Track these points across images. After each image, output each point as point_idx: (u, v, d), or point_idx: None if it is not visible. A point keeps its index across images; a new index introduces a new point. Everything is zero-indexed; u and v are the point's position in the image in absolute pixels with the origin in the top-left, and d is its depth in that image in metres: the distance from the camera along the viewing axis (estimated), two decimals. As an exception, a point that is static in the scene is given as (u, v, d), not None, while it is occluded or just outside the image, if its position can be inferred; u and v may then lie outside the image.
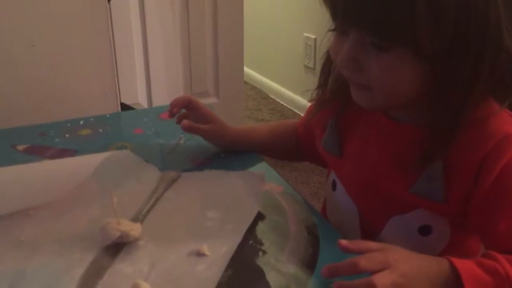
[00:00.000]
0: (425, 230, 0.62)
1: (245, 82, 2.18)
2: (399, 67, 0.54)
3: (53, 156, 0.81)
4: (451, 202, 0.58)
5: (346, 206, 0.69)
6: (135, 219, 0.63)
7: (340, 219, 0.72)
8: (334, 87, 0.67)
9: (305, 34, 2.32)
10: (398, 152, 0.61)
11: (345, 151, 0.69)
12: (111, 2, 1.19)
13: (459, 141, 0.56)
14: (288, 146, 0.85)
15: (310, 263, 0.57)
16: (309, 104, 0.77)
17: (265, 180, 0.72)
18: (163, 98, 1.95)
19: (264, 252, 0.59)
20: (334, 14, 0.56)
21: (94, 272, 0.55)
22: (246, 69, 2.17)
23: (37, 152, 0.82)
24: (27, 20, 1.06)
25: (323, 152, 0.73)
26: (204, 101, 0.92)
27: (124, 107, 1.46)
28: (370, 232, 0.67)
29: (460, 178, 0.57)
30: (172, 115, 0.78)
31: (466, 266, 0.51)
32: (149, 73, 1.93)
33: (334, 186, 0.72)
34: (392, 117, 0.64)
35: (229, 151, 0.82)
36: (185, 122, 0.78)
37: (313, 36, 2.28)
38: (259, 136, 0.84)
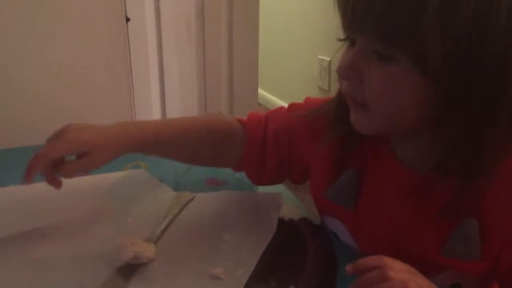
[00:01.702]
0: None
1: (259, 104, 2.18)
2: (401, 80, 0.48)
3: (68, 175, 0.80)
4: (487, 260, 0.54)
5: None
6: (149, 240, 0.62)
7: None
8: (338, 123, 0.60)
9: (320, 57, 2.32)
10: (422, 208, 0.55)
11: (358, 204, 0.61)
12: (129, 22, 1.21)
13: (494, 195, 0.51)
14: (216, 146, 0.71)
15: (327, 289, 0.56)
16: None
17: (282, 202, 0.71)
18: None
19: (280, 277, 0.57)
20: (344, 21, 0.52)
21: (107, 294, 0.54)
22: (260, 90, 2.18)
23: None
24: (46, 40, 1.08)
25: (324, 202, 0.65)
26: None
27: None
28: None
29: (497, 235, 0.52)
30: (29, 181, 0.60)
31: None
32: (164, 93, 1.94)
33: (335, 236, 0.66)
34: (408, 166, 0.57)
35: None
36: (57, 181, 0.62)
37: (328, 59, 2.28)
38: (167, 135, 0.69)
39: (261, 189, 0.79)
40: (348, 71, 0.52)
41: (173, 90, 1.96)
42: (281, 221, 0.67)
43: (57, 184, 0.62)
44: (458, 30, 0.44)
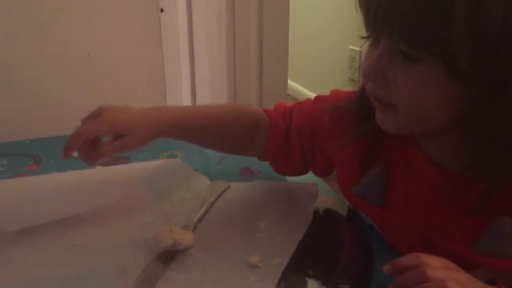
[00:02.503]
0: (489, 284, 0.55)
1: (289, 95, 2.18)
2: (427, 81, 0.47)
3: (106, 163, 0.82)
4: None
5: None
6: (186, 227, 0.63)
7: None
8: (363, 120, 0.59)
9: (350, 47, 2.30)
10: (452, 206, 0.54)
11: (386, 200, 0.61)
12: (162, 13, 1.22)
13: None
14: (241, 133, 0.71)
15: (364, 278, 0.56)
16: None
17: (317, 191, 0.71)
18: (207, 109, 1.97)
19: (316, 267, 0.57)
20: (367, 20, 0.50)
21: (147, 279, 0.55)
22: (290, 81, 2.17)
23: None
24: (85, 31, 1.10)
25: (352, 198, 0.64)
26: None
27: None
28: None
29: None
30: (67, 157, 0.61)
31: None
32: (195, 84, 1.96)
33: (371, 227, 0.66)
34: (437, 164, 0.56)
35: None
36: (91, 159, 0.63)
37: (358, 49, 2.25)
38: (204, 117, 0.70)
39: (295, 179, 0.79)
40: (374, 72, 0.51)
41: (203, 81, 1.97)
42: (316, 211, 0.67)
43: (93, 162, 0.63)
44: (486, 31, 0.43)
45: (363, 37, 0.53)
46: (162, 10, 1.19)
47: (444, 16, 0.43)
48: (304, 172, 0.74)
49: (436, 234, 0.57)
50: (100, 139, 0.62)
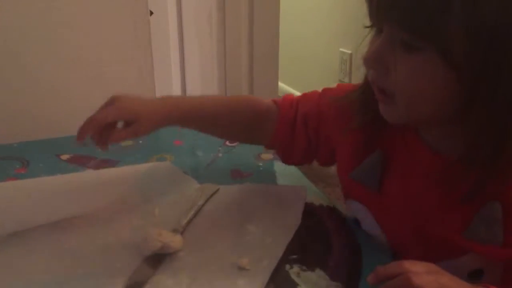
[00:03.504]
0: (476, 274, 0.57)
1: (280, 96, 2.18)
2: (425, 70, 0.49)
3: (96, 166, 0.82)
4: (509, 246, 0.53)
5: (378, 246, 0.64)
6: (175, 231, 0.63)
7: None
8: (365, 109, 0.61)
9: (341, 49, 2.31)
10: (447, 191, 0.55)
11: (383, 186, 0.62)
12: (151, 16, 1.22)
13: None
14: (248, 123, 0.74)
15: (353, 281, 0.56)
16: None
17: (306, 194, 0.71)
18: (198, 111, 1.97)
19: (305, 268, 0.58)
20: (370, 9, 0.52)
21: (136, 283, 0.55)
22: (280, 83, 2.18)
23: (80, 162, 0.84)
24: (73, 34, 1.09)
25: (349, 183, 0.66)
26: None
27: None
28: None
29: None
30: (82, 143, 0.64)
31: None
32: (185, 85, 1.96)
33: (357, 223, 0.67)
34: (437, 151, 0.57)
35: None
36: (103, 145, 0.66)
37: (349, 51, 2.27)
38: (207, 110, 0.72)
39: (285, 182, 0.79)
40: (374, 61, 0.52)
41: (194, 82, 1.97)
42: (305, 214, 0.68)
43: (105, 147, 0.66)
44: (481, 25, 0.44)
45: (366, 27, 0.55)
46: (151, 13, 1.19)
47: (442, 7, 0.45)
48: (309, 160, 0.75)
49: (428, 219, 0.57)
50: (113, 125, 0.65)
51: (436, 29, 0.46)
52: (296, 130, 0.72)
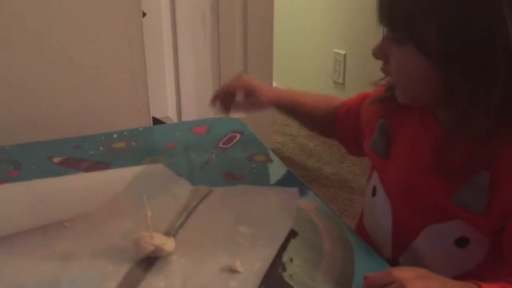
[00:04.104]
0: (462, 242, 0.60)
1: (274, 97, 2.18)
2: (409, 61, 0.57)
3: (88, 169, 0.82)
4: (491, 217, 0.56)
5: (382, 212, 0.69)
6: (168, 233, 0.63)
7: (375, 225, 0.71)
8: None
9: (335, 50, 2.31)
10: (445, 158, 0.59)
11: (391, 153, 0.68)
12: (144, 17, 1.21)
13: (510, 158, 0.54)
14: (324, 119, 0.86)
15: (345, 282, 0.56)
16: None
17: (298, 196, 0.71)
18: (192, 112, 1.97)
19: (298, 270, 0.58)
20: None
21: (128, 286, 0.55)
22: (275, 84, 2.18)
23: (72, 164, 0.83)
24: (66, 35, 1.09)
25: (369, 152, 0.72)
26: (233, 116, 0.92)
27: (155, 121, 1.48)
28: (403, 240, 0.66)
29: (504, 195, 0.55)
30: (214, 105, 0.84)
31: None
32: (179, 87, 1.96)
33: (374, 192, 0.71)
34: (442, 122, 0.63)
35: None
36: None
37: (343, 52, 2.27)
38: (303, 102, 0.86)
39: (278, 183, 0.79)
40: (377, 53, 0.61)
41: (188, 83, 1.97)
42: (297, 216, 0.68)
43: (228, 113, 0.85)
44: (447, 17, 0.52)
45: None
46: (144, 14, 1.18)
47: (415, 5, 0.54)
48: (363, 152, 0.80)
49: (422, 182, 0.62)
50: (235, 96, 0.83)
51: (410, 25, 0.55)
52: (343, 121, 0.83)
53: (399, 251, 0.66)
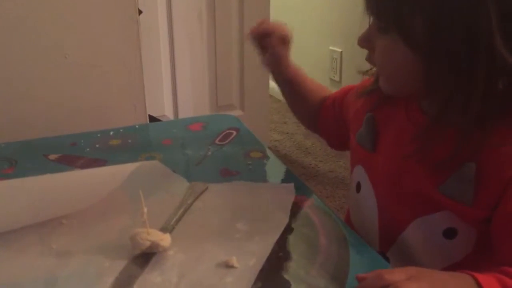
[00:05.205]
0: (450, 233, 0.61)
1: (270, 95, 2.18)
2: (392, 50, 0.58)
3: (84, 166, 0.82)
4: (478, 207, 0.57)
5: (368, 207, 0.69)
6: (164, 229, 0.63)
7: (361, 221, 0.72)
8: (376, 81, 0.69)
9: (331, 48, 2.32)
10: (431, 149, 0.60)
11: (378, 147, 0.68)
12: (140, 15, 1.21)
13: (497, 151, 0.55)
14: (311, 109, 0.86)
15: (340, 277, 0.56)
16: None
17: (294, 192, 0.72)
18: (188, 110, 1.97)
19: (294, 265, 0.58)
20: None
21: (124, 282, 0.55)
22: (271, 82, 2.18)
23: (69, 161, 0.83)
24: (62, 33, 1.09)
25: (355, 146, 0.72)
26: (229, 113, 0.92)
27: (151, 119, 1.48)
28: (391, 234, 0.66)
29: (490, 186, 0.56)
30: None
31: (491, 285, 0.49)
32: (176, 85, 1.95)
33: (358, 188, 0.72)
34: (426, 112, 0.63)
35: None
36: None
37: (339, 50, 2.27)
38: (305, 84, 0.86)
39: (274, 180, 0.79)
40: (362, 41, 0.62)
41: (184, 81, 1.97)
42: (293, 211, 0.68)
43: (262, 52, 0.82)
44: (428, 10, 0.53)
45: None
46: (140, 12, 1.18)
47: None
48: (344, 146, 0.81)
49: (409, 174, 0.63)
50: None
51: (394, 13, 0.55)
52: (328, 111, 0.83)
53: (387, 245, 0.67)
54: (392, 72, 0.61)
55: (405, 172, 0.63)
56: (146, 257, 0.59)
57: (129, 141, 0.91)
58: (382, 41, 0.59)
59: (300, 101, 0.87)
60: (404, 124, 0.65)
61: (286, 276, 0.56)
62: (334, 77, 2.31)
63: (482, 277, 0.49)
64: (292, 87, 0.85)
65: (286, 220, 0.66)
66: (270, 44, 0.79)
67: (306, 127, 0.95)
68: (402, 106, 0.66)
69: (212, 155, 0.86)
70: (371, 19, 0.60)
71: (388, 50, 0.59)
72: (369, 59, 0.63)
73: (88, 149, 0.88)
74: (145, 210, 0.60)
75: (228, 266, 0.57)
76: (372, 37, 0.60)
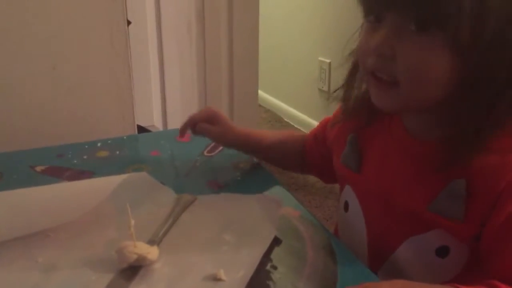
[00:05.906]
0: (442, 252, 0.61)
1: (260, 105, 2.19)
2: (432, 54, 0.52)
3: (71, 178, 0.81)
4: (470, 223, 0.57)
5: (356, 227, 0.69)
6: (151, 242, 0.63)
7: (349, 240, 0.71)
8: (357, 102, 0.67)
9: (320, 58, 2.33)
10: (419, 169, 0.60)
11: (363, 167, 0.68)
12: (129, 26, 1.21)
13: (485, 163, 0.55)
14: (293, 156, 0.85)
15: (328, 286, 0.56)
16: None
17: (281, 204, 0.72)
18: (178, 120, 1.97)
19: (281, 278, 0.58)
20: (369, 1, 0.56)
21: (111, 295, 0.55)
22: (260, 92, 2.19)
23: (55, 173, 0.83)
24: (50, 44, 1.08)
25: (340, 168, 0.71)
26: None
27: (140, 129, 1.48)
28: (381, 253, 0.66)
29: (480, 200, 0.56)
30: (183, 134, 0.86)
31: None
32: (165, 95, 1.95)
33: (346, 207, 0.71)
34: (413, 135, 0.62)
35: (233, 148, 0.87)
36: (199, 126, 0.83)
37: (328, 60, 2.29)
38: (266, 141, 0.84)
39: (263, 191, 0.79)
40: (382, 47, 0.54)
41: (174, 92, 1.97)
42: (281, 223, 0.68)
43: (182, 135, 0.86)
44: (488, 10, 0.49)
45: (365, 18, 0.58)
46: (129, 23, 1.18)
47: None
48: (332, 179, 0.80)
49: (397, 192, 0.62)
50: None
51: (444, 16, 0.49)
52: (312, 149, 0.81)
53: (377, 264, 0.66)
54: (423, 80, 0.54)
55: (394, 192, 0.62)
56: (133, 270, 0.59)
57: (117, 152, 0.91)
58: (417, 46, 0.52)
59: (275, 154, 0.86)
60: (387, 141, 0.65)
61: (273, 289, 0.56)
62: (322, 87, 2.33)
63: None
64: (256, 147, 0.84)
65: (274, 232, 0.66)
66: (202, 130, 0.83)
67: (299, 172, 0.95)
68: (386, 124, 0.66)
69: (200, 166, 0.86)
70: (390, 22, 0.54)
71: (426, 56, 0.52)
72: (381, 67, 0.56)
73: (75, 161, 0.87)
74: (132, 222, 0.59)
75: (215, 279, 0.57)
76: (394, 43, 0.54)
